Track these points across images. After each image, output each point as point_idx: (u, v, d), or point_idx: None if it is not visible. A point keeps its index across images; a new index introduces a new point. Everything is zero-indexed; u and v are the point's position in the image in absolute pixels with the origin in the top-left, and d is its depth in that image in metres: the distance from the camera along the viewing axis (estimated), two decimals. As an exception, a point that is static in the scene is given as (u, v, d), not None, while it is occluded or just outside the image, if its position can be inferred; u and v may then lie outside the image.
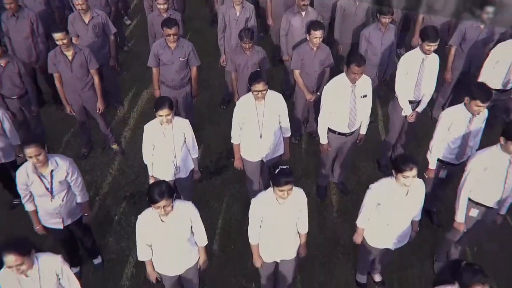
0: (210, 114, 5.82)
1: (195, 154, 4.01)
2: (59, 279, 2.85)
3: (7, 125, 4.13)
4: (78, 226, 3.75)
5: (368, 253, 3.71)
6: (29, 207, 3.50)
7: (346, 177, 4.91)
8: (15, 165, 4.34)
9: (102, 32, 5.25)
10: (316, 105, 4.90)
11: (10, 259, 2.50)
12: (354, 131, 4.26)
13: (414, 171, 3.03)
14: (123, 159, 5.27)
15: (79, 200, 3.62)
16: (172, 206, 2.91)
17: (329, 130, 4.24)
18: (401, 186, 3.14)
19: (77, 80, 4.62)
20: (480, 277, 2.44)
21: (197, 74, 4.95)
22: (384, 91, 5.84)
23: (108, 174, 5.09)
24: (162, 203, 2.77)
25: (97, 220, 4.52)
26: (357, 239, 3.61)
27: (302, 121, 5.43)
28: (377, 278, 4.08)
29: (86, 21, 5.10)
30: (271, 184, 3.00)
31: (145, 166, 4.13)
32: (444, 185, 4.23)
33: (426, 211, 4.54)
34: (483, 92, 3.52)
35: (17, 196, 4.64)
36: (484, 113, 3.77)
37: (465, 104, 3.66)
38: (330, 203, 4.82)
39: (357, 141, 4.45)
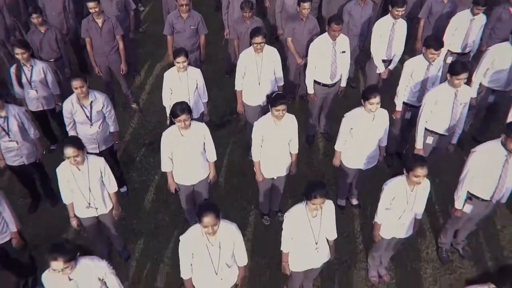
0: (215, 81, 6.60)
1: (205, 98, 4.81)
2: (102, 176, 3.64)
3: (49, 77, 4.91)
4: (110, 153, 4.53)
5: (345, 176, 4.49)
6: (72, 133, 4.29)
7: (331, 127, 5.68)
8: (54, 113, 5.16)
9: (123, 8, 6.05)
10: (305, 70, 5.70)
11: (69, 150, 3.29)
12: (336, 83, 5.06)
13: (378, 99, 3.81)
14: (141, 115, 6.07)
15: (111, 129, 4.42)
16: (190, 124, 3.71)
17: (315, 82, 5.04)
18: (368, 113, 3.93)
19: (105, 44, 5.43)
20: (419, 161, 3.22)
21: (205, 41, 5.75)
22: (364, 61, 6.63)
23: (129, 127, 5.88)
24: (183, 117, 3.57)
25: (122, 161, 5.29)
26: (336, 161, 4.39)
27: (295, 84, 6.22)
28: (354, 201, 4.86)
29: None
30: (269, 108, 3.81)
31: (161, 120, 4.94)
32: (410, 127, 4.99)
33: (397, 153, 5.34)
34: (436, 42, 4.32)
35: (54, 142, 5.48)
36: (439, 62, 4.57)
37: (423, 54, 4.46)
38: (317, 148, 5.62)
39: (339, 93, 5.24)
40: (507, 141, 3.35)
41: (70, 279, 2.75)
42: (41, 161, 4.50)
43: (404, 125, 4.99)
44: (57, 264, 2.57)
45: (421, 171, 3.18)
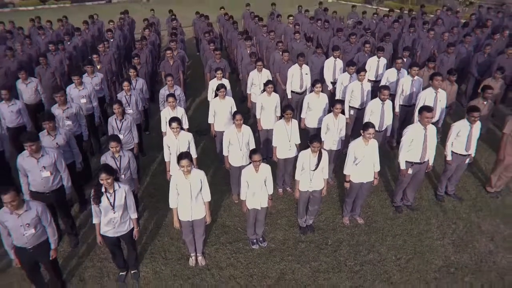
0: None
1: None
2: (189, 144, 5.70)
3: (144, 87, 7.94)
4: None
5: (308, 133, 7.29)
6: (162, 108, 7.20)
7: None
8: (144, 109, 8.12)
9: (182, 59, 9.39)
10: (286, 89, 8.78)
11: (174, 124, 5.47)
12: (303, 92, 8.10)
13: (319, 85, 6.81)
14: (189, 119, 9.03)
15: (182, 105, 7.35)
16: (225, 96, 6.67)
17: (292, 92, 8.10)
18: (316, 94, 6.89)
19: (174, 74, 8.61)
20: (339, 101, 6.12)
21: (229, 76, 8.94)
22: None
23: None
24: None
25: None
26: (302, 125, 7.23)
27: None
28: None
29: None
30: (264, 88, 6.81)
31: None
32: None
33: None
34: (350, 63, 7.47)
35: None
36: (368, 84, 7.61)
37: (358, 77, 7.59)
38: (295, 133, 8.47)
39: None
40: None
41: (186, 179, 4.46)
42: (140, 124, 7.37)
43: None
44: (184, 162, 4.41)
45: (339, 106, 6.04)
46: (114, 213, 4.36)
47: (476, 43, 10.63)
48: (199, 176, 4.61)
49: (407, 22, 12.58)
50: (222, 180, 6.91)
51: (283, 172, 6.48)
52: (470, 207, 6.20)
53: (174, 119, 5.40)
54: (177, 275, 4.98)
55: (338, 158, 6.88)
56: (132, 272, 4.99)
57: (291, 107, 5.92)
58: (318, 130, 6.98)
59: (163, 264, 5.15)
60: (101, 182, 4.19)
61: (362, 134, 5.25)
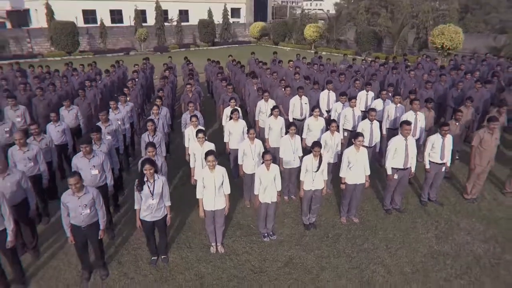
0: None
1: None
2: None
3: (168, 114, 8.99)
4: (198, 142, 8.32)
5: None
6: (183, 129, 8.16)
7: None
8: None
9: (199, 93, 10.53)
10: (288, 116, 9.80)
11: (200, 134, 6.93)
12: (303, 118, 9.10)
13: (317, 111, 7.85)
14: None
15: (201, 123, 8.32)
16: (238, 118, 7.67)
17: (294, 119, 9.11)
18: (315, 118, 7.91)
19: (193, 103, 9.69)
20: (334, 121, 7.10)
21: (239, 105, 10.02)
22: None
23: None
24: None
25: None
26: (304, 143, 8.15)
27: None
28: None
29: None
30: (271, 111, 7.83)
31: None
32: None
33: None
34: (342, 94, 8.57)
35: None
36: (359, 110, 8.69)
37: (349, 104, 8.66)
38: (297, 154, 9.36)
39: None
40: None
41: (211, 173, 5.29)
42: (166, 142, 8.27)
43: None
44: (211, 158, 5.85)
45: (335, 124, 7.00)
46: (152, 199, 5.14)
47: (452, 82, 11.87)
48: (221, 171, 5.44)
49: (391, 67, 13.97)
50: (236, 190, 7.67)
51: (288, 182, 7.29)
52: (450, 210, 6.95)
53: (200, 131, 6.35)
54: (201, 259, 5.63)
55: (335, 171, 7.71)
56: (162, 257, 5.64)
57: (294, 124, 6.88)
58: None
59: (188, 252, 5.80)
60: (145, 172, 5.02)
61: (354, 142, 6.16)
